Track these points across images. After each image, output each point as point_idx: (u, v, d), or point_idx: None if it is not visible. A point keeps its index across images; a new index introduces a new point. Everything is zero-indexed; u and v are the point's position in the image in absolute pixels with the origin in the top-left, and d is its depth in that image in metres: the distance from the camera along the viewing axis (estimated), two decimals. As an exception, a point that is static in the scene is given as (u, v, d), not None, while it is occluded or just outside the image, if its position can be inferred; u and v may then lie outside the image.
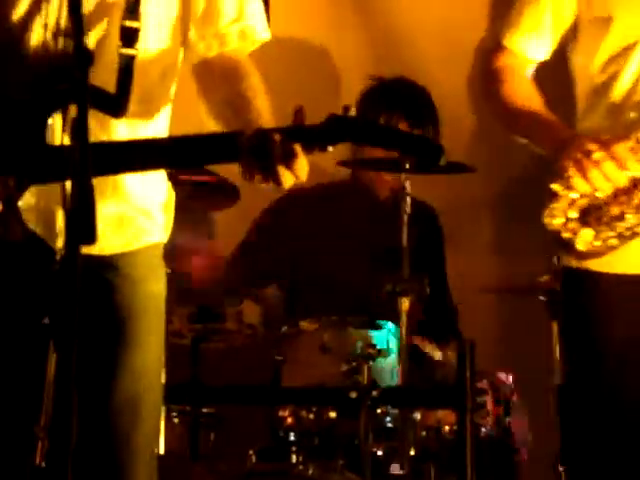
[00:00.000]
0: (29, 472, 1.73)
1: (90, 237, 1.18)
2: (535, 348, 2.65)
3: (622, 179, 1.72)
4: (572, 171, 1.72)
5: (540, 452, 2.58)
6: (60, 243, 1.54)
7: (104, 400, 1.57)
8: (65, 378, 1.17)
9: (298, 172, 1.43)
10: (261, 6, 1.78)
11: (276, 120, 1.58)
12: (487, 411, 2.47)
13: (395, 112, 2.84)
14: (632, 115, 1.77)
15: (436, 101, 2.85)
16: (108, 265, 1.59)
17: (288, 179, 1.43)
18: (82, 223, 1.19)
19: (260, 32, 1.76)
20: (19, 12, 1.61)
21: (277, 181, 1.44)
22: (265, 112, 1.62)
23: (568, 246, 1.80)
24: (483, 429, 2.47)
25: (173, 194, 1.77)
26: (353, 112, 1.50)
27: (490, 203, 3.01)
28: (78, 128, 1.21)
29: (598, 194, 1.76)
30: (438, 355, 2.57)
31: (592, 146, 1.69)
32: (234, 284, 2.81)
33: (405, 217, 2.37)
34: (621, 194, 1.78)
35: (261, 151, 1.45)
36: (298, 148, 1.43)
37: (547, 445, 2.52)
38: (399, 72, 2.91)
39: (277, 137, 1.43)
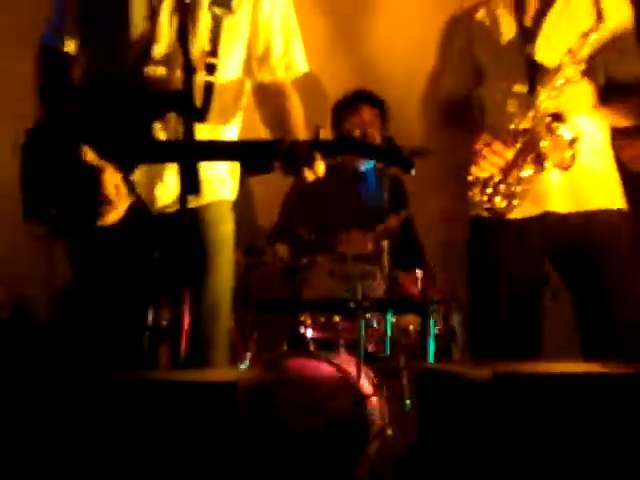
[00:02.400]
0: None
1: (197, 191, 1.75)
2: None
3: (503, 160, 2.24)
4: (480, 155, 2.25)
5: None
6: (158, 205, 1.99)
7: (195, 307, 1.86)
8: (177, 292, 1.71)
9: (317, 171, 1.83)
10: (301, 44, 2.16)
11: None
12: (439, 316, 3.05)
13: (361, 102, 3.51)
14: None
15: (397, 112, 3.51)
16: (194, 214, 1.91)
17: (309, 175, 1.84)
18: (191, 182, 1.73)
19: (300, 65, 2.16)
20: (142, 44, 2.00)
21: (301, 177, 1.85)
22: (299, 122, 2.06)
23: (488, 209, 2.31)
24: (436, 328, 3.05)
25: (238, 165, 2.16)
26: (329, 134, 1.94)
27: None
28: (186, 128, 1.73)
29: (495, 173, 2.26)
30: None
31: (486, 138, 2.25)
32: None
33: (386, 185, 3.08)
34: (508, 172, 2.26)
35: (292, 156, 1.83)
36: (317, 155, 1.81)
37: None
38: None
39: (303, 147, 1.83)
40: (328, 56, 3.74)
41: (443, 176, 3.46)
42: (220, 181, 2.13)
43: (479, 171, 2.28)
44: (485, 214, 2.35)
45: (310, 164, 1.83)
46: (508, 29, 2.37)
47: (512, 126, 2.26)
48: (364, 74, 3.85)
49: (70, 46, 2.12)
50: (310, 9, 3.41)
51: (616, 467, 1.34)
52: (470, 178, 2.32)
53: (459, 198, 2.72)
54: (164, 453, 1.27)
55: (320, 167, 1.85)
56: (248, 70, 2.13)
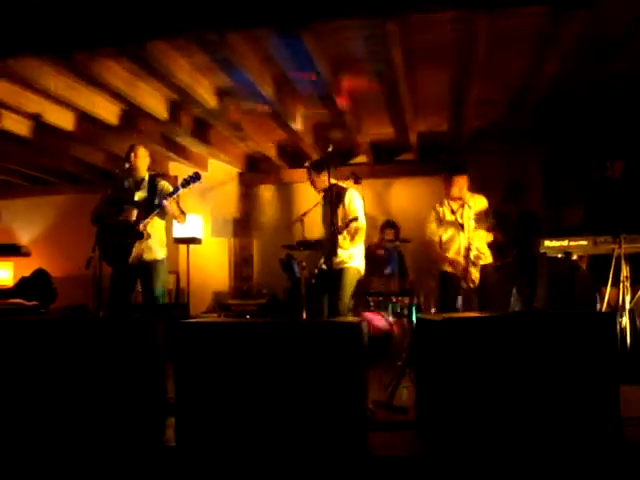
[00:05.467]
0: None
1: (332, 265, 6.51)
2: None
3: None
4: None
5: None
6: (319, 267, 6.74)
7: (335, 305, 6.02)
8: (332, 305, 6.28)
9: None
10: (362, 209, 6.23)
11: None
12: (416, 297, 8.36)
13: (387, 226, 9.16)
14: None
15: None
16: (338, 271, 6.14)
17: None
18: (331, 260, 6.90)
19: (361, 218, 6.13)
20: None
21: None
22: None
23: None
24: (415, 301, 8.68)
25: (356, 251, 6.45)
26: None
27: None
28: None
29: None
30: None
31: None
32: None
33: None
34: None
35: None
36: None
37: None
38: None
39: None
40: (374, 211, 9.22)
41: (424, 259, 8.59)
42: (350, 258, 6.15)
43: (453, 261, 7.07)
44: (447, 269, 6.89)
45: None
46: (450, 216, 7.03)
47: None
48: (389, 216, 9.46)
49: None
50: (367, 193, 8.36)
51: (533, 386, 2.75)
52: (449, 259, 7.09)
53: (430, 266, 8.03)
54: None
55: None
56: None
